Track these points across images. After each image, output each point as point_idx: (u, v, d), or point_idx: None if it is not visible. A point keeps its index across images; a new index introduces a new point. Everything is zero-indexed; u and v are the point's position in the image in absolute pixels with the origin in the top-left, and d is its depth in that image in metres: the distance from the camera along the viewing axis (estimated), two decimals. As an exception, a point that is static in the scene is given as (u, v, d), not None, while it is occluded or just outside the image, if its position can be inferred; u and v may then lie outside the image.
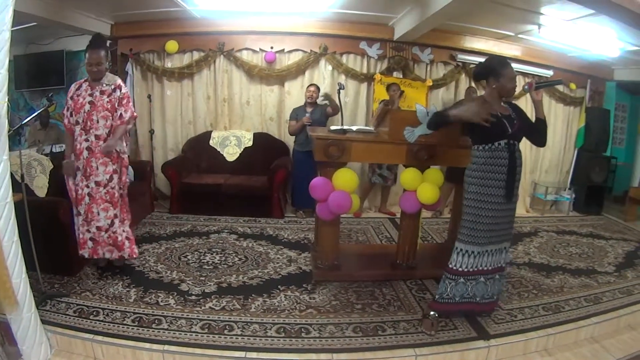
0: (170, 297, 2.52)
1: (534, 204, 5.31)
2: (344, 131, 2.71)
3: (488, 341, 2.21)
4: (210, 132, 4.67)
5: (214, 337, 2.13)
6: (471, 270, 2.21)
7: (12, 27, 1.82)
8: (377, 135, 2.84)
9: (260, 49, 4.52)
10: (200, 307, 2.42)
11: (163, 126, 4.72)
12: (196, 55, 4.52)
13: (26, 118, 2.54)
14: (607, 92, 5.47)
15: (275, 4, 4.01)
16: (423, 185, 2.62)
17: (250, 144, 4.62)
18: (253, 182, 4.19)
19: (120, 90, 2.58)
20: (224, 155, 4.59)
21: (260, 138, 4.66)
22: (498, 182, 2.13)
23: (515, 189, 2.19)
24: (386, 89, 4.34)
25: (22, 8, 2.99)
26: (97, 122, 2.51)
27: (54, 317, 2.24)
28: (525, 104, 4.15)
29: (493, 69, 2.16)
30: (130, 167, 3.62)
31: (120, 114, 2.57)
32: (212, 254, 3.23)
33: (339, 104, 3.00)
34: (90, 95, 2.53)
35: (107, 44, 2.85)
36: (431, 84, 4.66)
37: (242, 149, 4.61)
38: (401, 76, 4.62)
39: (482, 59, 2.51)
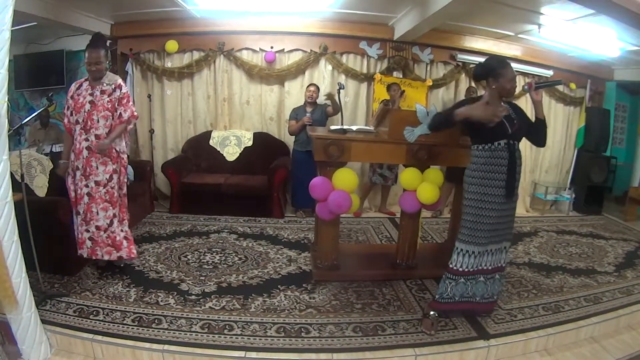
0: (170, 296, 2.52)
1: (534, 203, 5.31)
2: (344, 131, 2.71)
3: (488, 341, 2.21)
4: (210, 131, 4.67)
5: (213, 336, 2.13)
6: (472, 270, 2.22)
7: (12, 26, 1.82)
8: (377, 135, 2.84)
9: (260, 49, 4.52)
10: (200, 307, 2.42)
11: (163, 126, 4.72)
12: (196, 55, 4.52)
13: (26, 118, 2.54)
14: (607, 92, 5.48)
15: (275, 4, 4.01)
16: (423, 185, 2.63)
17: (250, 143, 4.62)
18: (253, 182, 4.19)
19: (121, 90, 2.58)
20: (224, 155, 4.59)
21: (260, 138, 4.66)
22: (498, 182, 2.12)
23: (515, 189, 2.19)
24: (387, 88, 4.34)
25: (22, 8, 2.99)
26: (98, 121, 2.51)
27: (54, 316, 2.24)
28: (525, 104, 4.15)
29: (493, 69, 2.15)
30: (130, 167, 3.64)
31: (120, 113, 2.57)
32: (212, 253, 3.23)
33: (339, 104, 3.00)
34: (91, 94, 2.53)
35: (107, 44, 2.85)
36: (431, 83, 4.66)
37: (242, 149, 4.61)
38: (401, 76, 4.62)
39: (482, 59, 2.51)
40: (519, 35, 4.42)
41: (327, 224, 2.76)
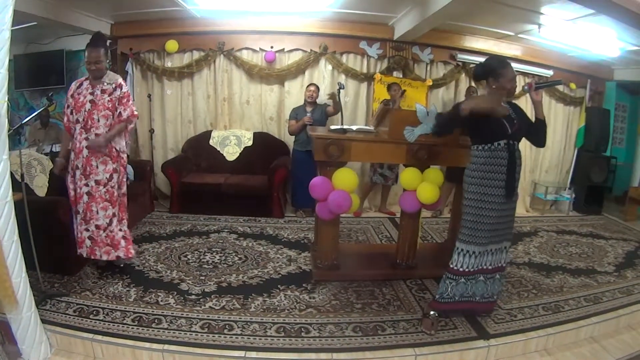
0: (170, 296, 2.52)
1: (534, 203, 5.31)
2: (344, 131, 2.71)
3: (488, 341, 2.21)
4: (210, 131, 4.67)
5: (213, 336, 2.13)
6: (472, 270, 2.22)
7: (12, 26, 1.81)
8: (377, 134, 2.84)
9: (260, 49, 4.52)
10: (200, 307, 2.42)
11: (163, 126, 4.72)
12: (196, 54, 4.52)
13: (26, 117, 2.54)
14: (607, 92, 5.47)
15: (275, 4, 4.01)
16: (423, 185, 2.63)
17: (250, 143, 4.62)
18: (253, 182, 4.19)
19: (121, 89, 2.58)
20: (224, 154, 4.59)
21: (260, 137, 4.66)
22: (498, 182, 2.12)
23: (515, 189, 2.19)
24: (387, 88, 4.34)
25: (22, 8, 2.99)
26: (98, 121, 2.50)
27: (54, 316, 2.24)
28: (525, 104, 4.14)
29: (493, 69, 2.15)
30: (130, 167, 3.64)
31: (119, 112, 2.57)
32: (212, 253, 3.23)
33: (340, 104, 3.00)
34: (91, 94, 2.53)
35: (107, 43, 2.84)
36: (431, 83, 4.66)
37: (242, 149, 4.61)
38: (401, 76, 4.61)
39: (482, 59, 2.51)
40: (519, 35, 4.42)
41: (327, 223, 2.76)
